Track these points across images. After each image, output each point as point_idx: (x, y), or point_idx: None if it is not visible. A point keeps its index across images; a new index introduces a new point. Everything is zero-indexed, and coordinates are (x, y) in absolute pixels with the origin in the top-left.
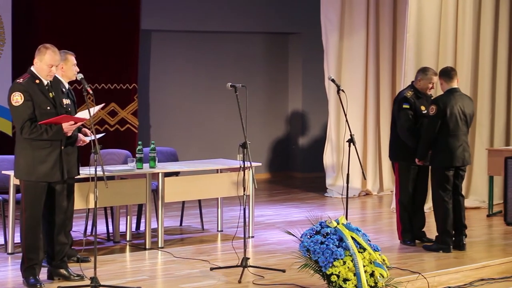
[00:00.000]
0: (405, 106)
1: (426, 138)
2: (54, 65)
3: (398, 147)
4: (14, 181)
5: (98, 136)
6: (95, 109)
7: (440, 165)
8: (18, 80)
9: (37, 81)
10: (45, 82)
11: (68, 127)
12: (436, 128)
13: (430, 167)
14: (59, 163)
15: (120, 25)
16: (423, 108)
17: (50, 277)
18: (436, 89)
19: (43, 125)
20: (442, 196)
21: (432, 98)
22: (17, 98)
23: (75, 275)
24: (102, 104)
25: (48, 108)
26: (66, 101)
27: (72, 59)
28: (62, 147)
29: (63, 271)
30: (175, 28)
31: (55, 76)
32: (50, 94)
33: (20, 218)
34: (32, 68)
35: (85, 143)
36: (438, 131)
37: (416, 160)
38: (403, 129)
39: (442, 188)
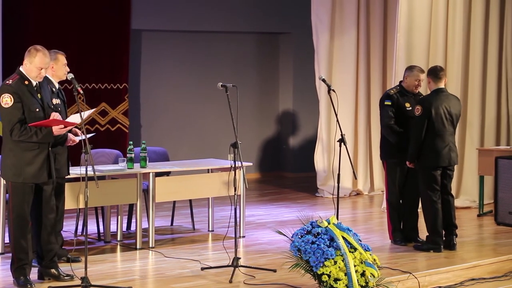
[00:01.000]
0: (387, 103)
1: (415, 139)
2: (43, 67)
3: (386, 146)
4: (4, 181)
5: (89, 136)
6: (85, 114)
7: (426, 165)
8: (7, 81)
9: (26, 82)
10: (34, 83)
11: (58, 130)
12: (424, 129)
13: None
14: (47, 164)
15: (111, 25)
16: (407, 105)
17: (41, 277)
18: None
19: (33, 128)
20: (430, 196)
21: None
22: (7, 100)
23: (65, 275)
24: (94, 109)
25: (37, 110)
26: (56, 101)
27: (62, 58)
28: (50, 148)
29: (53, 271)
30: (166, 28)
31: (68, 77)
32: (39, 95)
33: (8, 219)
34: (21, 68)
35: (75, 143)
36: (424, 132)
37: (407, 162)
38: (383, 125)
39: (430, 188)
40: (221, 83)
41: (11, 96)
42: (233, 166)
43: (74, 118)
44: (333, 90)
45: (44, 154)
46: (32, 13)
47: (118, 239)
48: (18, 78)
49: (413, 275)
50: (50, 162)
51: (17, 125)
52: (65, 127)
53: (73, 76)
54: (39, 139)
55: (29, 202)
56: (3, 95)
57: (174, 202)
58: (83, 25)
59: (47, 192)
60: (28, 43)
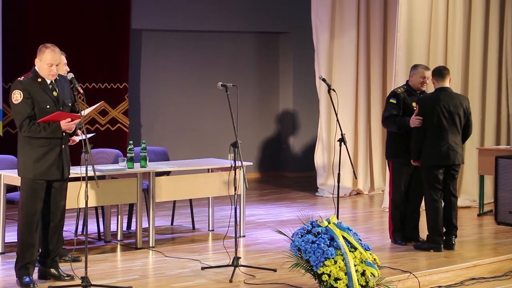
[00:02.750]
0: (392, 100)
1: (415, 138)
2: (53, 64)
3: (391, 145)
4: (4, 181)
5: (89, 135)
6: (90, 108)
7: (426, 164)
8: (19, 78)
9: (39, 79)
10: (48, 81)
11: (66, 124)
12: (422, 127)
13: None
14: (59, 162)
15: (111, 25)
16: (414, 104)
17: (41, 277)
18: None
19: (41, 123)
20: (431, 195)
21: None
22: (17, 96)
23: (65, 275)
24: (102, 102)
25: (48, 106)
26: None
27: (62, 58)
28: (63, 146)
29: (53, 271)
30: (166, 28)
31: (68, 76)
32: (54, 92)
33: (18, 216)
34: (35, 67)
35: (75, 143)
36: (425, 130)
37: (411, 161)
38: (383, 118)
39: (431, 188)
40: (221, 83)
41: (21, 92)
42: (233, 165)
43: (83, 113)
44: (333, 90)
45: (56, 152)
46: (32, 13)
47: (118, 238)
48: (31, 76)
49: (413, 274)
50: (62, 160)
51: (26, 121)
52: (72, 120)
53: (73, 76)
54: (47, 134)
55: (39, 199)
56: (14, 92)
57: (174, 201)
58: (83, 25)
59: (57, 191)
60: (28, 43)
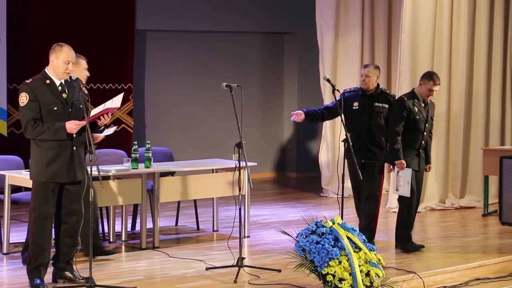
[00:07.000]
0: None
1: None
2: (70, 61)
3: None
4: (9, 181)
5: (111, 130)
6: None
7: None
8: (26, 81)
9: (48, 81)
10: (58, 83)
11: (72, 127)
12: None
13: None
14: (71, 164)
15: (116, 25)
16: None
17: (55, 279)
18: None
19: (45, 124)
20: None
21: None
22: (23, 99)
23: (80, 278)
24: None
25: (55, 108)
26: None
27: (83, 63)
28: (74, 148)
29: (68, 273)
30: (170, 28)
31: (72, 77)
32: (64, 94)
33: (29, 219)
34: (45, 69)
35: (100, 139)
36: None
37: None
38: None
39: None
40: (225, 83)
41: (27, 95)
42: (238, 166)
43: (115, 103)
44: (338, 90)
45: (67, 154)
46: (37, 14)
47: (123, 239)
48: (40, 78)
49: (417, 275)
50: (74, 162)
51: (31, 123)
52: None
53: (77, 77)
54: (51, 135)
55: (51, 202)
56: (20, 94)
57: (179, 202)
58: (88, 25)
59: (70, 194)
60: (33, 44)
